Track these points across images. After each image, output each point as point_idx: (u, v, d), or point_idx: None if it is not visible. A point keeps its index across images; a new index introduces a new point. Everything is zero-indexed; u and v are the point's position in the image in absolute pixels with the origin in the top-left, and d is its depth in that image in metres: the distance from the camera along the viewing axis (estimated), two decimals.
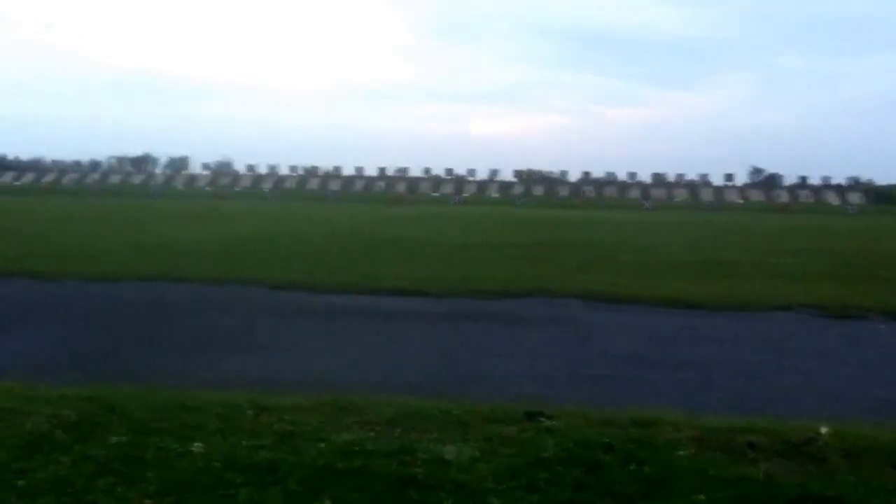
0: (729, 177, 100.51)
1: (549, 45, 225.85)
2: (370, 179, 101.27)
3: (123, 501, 3.35)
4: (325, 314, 11.71)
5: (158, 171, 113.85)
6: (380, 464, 3.91)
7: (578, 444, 4.62)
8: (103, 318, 11.38)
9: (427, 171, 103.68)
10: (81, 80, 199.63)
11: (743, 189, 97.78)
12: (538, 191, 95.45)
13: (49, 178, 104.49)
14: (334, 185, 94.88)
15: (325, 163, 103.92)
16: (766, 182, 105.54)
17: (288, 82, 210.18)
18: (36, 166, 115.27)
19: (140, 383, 5.86)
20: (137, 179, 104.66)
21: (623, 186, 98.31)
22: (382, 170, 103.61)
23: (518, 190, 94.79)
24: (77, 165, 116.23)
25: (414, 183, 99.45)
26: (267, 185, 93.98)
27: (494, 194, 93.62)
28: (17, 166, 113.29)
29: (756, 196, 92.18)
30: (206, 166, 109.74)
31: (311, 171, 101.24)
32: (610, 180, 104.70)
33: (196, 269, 15.68)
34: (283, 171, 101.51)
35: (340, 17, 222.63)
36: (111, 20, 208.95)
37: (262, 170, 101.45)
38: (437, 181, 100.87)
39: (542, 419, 5.22)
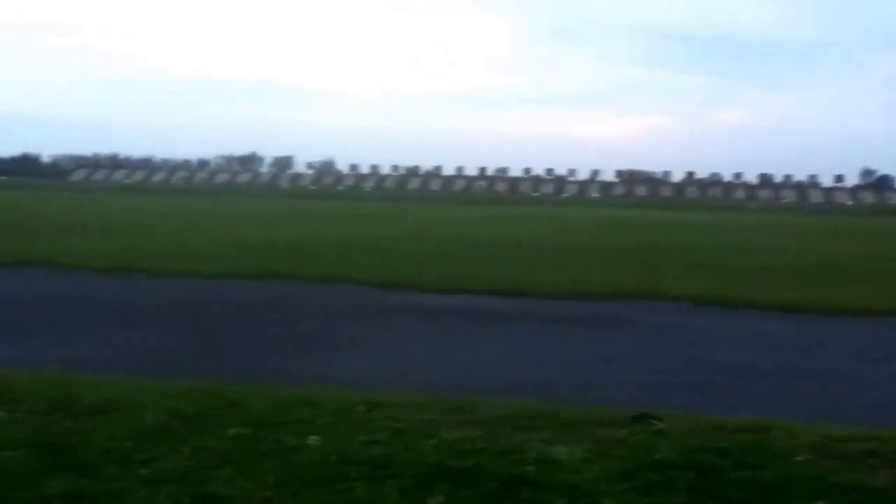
0: (839, 178, 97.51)
1: (651, 46, 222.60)
2: (470, 179, 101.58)
3: (243, 492, 3.42)
4: (430, 314, 11.79)
5: (264, 169, 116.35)
6: (491, 462, 3.91)
7: (691, 447, 4.52)
8: (213, 315, 11.67)
9: (527, 171, 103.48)
10: (192, 83, 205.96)
11: (854, 191, 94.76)
12: (640, 191, 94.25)
13: (159, 176, 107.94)
14: (435, 185, 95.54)
15: (425, 163, 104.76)
16: (878, 183, 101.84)
17: (390, 85, 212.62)
18: (147, 165, 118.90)
19: (250, 379, 6.00)
20: (244, 178, 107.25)
21: (728, 187, 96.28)
22: (482, 170, 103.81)
23: (619, 191, 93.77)
24: (186, 164, 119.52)
25: (514, 183, 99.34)
26: (368, 185, 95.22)
27: (595, 194, 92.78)
28: (129, 165, 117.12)
29: (867, 198, 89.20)
30: (310, 166, 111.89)
31: (412, 171, 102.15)
32: (714, 181, 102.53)
33: (303, 267, 15.96)
34: (385, 170, 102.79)
35: (441, 20, 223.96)
36: (219, 27, 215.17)
37: (364, 169, 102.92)
38: (537, 181, 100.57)
39: (653, 422, 5.14)
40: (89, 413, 4.43)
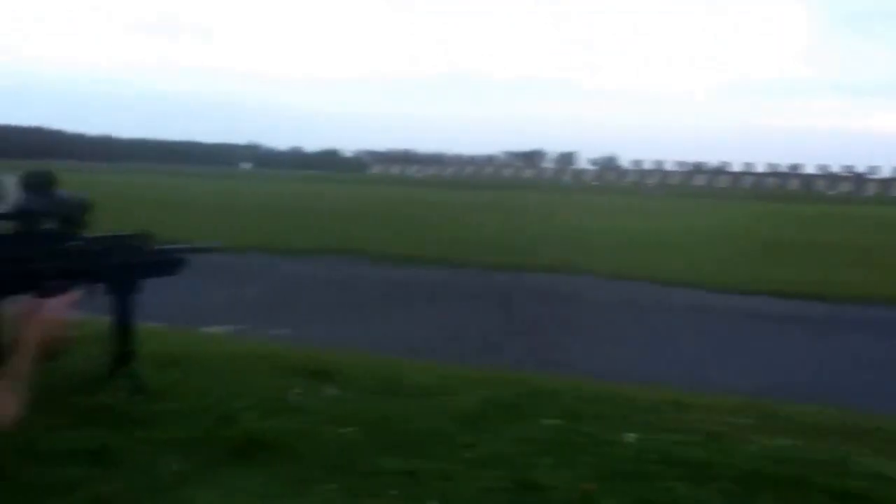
0: None
1: None
2: (759, 176, 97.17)
3: (564, 482, 3.50)
4: (720, 314, 11.49)
5: (547, 166, 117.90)
6: (816, 474, 3.74)
7: None
8: (508, 305, 12.02)
9: (823, 168, 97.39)
10: (480, 81, 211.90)
11: None
12: None
13: (449, 171, 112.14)
14: (721, 182, 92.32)
15: (711, 158, 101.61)
16: None
17: (672, 81, 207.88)
18: (438, 160, 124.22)
19: (545, 370, 6.12)
20: (527, 174, 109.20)
21: None
22: (773, 166, 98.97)
23: None
24: (474, 160, 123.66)
25: (807, 180, 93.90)
26: (651, 181, 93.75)
27: None
28: (421, 160, 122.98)
29: None
30: (592, 162, 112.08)
31: (697, 167, 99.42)
32: None
33: (592, 262, 16.04)
34: (669, 166, 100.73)
35: (719, 11, 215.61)
36: (504, 27, 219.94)
37: (647, 165, 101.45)
38: (832, 179, 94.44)
39: None
40: (412, 395, 4.68)
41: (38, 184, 3.32)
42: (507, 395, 4.83)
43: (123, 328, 4.04)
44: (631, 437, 4.05)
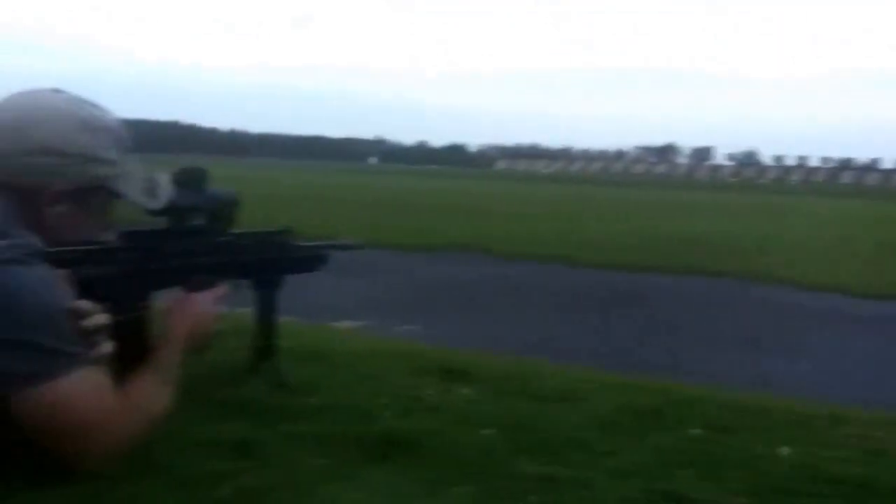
0: None
1: None
2: None
3: (712, 495, 3.37)
4: (868, 322, 11.00)
5: (681, 161, 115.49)
6: None
7: None
8: (641, 307, 11.82)
9: None
10: (608, 73, 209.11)
11: None
12: None
13: (576, 166, 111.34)
14: (871, 180, 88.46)
15: (860, 155, 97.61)
16: None
17: (821, 71, 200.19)
18: (565, 154, 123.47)
19: (686, 377, 5.94)
20: (660, 169, 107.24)
21: None
22: None
23: None
24: (603, 154, 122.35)
25: None
26: (795, 178, 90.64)
27: None
28: (548, 154, 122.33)
29: None
30: (730, 157, 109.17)
31: (844, 164, 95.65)
32: None
33: (728, 263, 15.64)
34: (813, 162, 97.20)
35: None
36: (634, 19, 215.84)
37: (790, 161, 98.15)
38: None
39: None
40: (548, 398, 4.61)
41: (189, 181, 3.40)
42: (645, 402, 4.70)
43: (266, 323, 4.11)
44: (786, 451, 3.87)
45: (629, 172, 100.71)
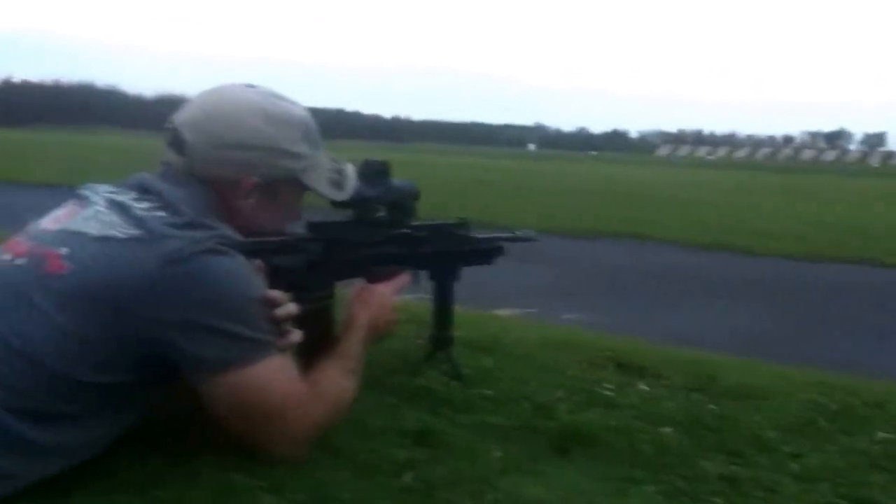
0: None
1: None
2: None
3: None
4: None
5: (853, 147, 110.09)
6: None
7: None
8: (806, 298, 11.34)
9: None
10: (779, 58, 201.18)
11: None
12: None
13: (742, 152, 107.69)
14: None
15: None
16: None
17: None
18: (729, 141, 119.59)
19: (875, 376, 5.63)
20: (829, 156, 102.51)
21: None
22: None
23: None
24: (770, 140, 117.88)
25: None
26: None
27: None
28: (713, 140, 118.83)
29: None
30: None
31: None
32: None
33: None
34: None
35: None
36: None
37: None
38: None
39: None
40: (728, 396, 4.48)
41: (373, 173, 3.47)
42: (832, 402, 4.49)
43: (443, 314, 4.14)
44: None
45: (797, 159, 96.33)
